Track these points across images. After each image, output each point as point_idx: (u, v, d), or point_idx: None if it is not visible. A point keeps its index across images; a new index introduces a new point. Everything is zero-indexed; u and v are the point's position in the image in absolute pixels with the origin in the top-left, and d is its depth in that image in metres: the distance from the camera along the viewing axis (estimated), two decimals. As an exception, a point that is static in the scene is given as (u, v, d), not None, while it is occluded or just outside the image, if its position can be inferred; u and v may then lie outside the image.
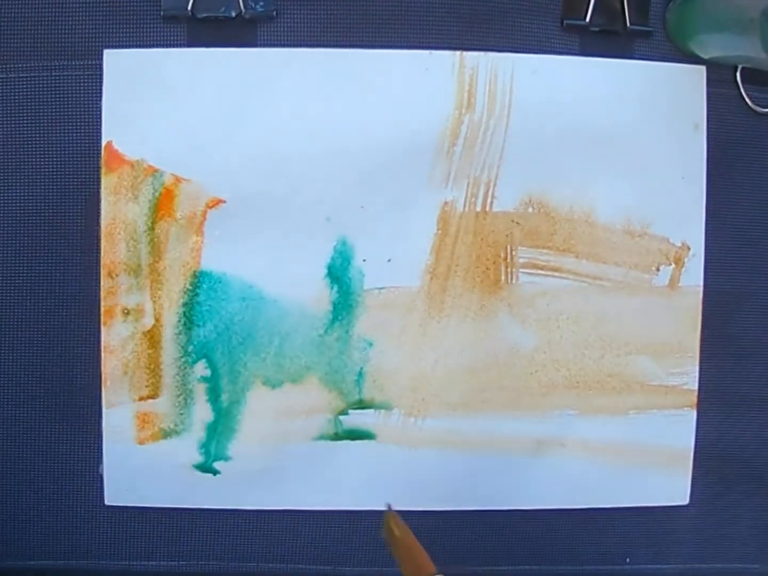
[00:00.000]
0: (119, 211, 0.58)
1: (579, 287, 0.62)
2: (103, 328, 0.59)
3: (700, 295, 0.63)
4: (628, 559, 0.66)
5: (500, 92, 0.59)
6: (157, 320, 0.59)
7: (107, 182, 0.58)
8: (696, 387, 0.63)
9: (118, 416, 0.60)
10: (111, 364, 0.59)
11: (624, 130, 0.61)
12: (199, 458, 0.61)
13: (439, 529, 0.64)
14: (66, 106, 0.58)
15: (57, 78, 0.58)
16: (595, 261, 0.62)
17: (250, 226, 0.59)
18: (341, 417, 0.61)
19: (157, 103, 0.58)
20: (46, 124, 0.58)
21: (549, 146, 0.60)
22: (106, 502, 0.61)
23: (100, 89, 0.58)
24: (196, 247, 0.59)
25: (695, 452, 0.64)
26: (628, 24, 0.60)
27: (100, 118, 0.58)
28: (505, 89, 0.59)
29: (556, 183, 0.61)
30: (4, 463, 0.61)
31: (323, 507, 0.63)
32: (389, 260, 0.60)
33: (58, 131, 0.58)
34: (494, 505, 0.64)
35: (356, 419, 0.61)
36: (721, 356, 0.64)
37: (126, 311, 0.59)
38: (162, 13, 0.58)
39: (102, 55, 0.58)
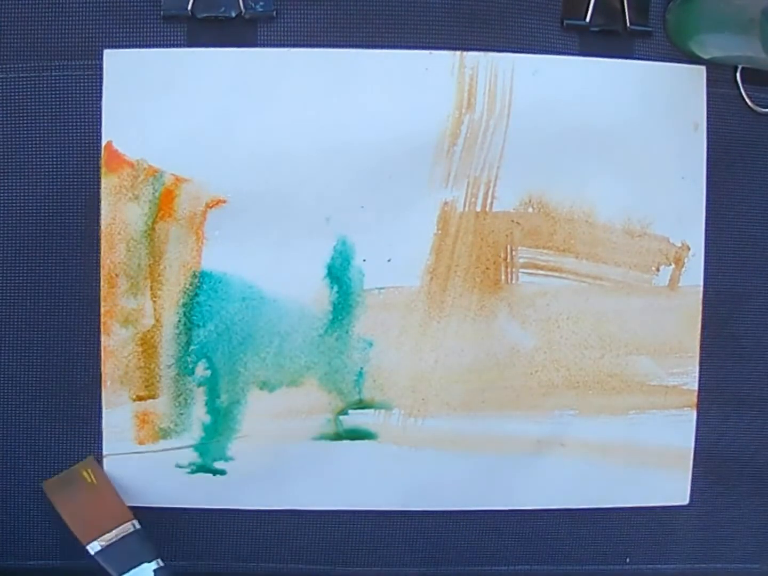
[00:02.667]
0: (119, 211, 0.58)
1: (579, 287, 0.62)
2: (103, 329, 0.59)
3: (700, 295, 0.63)
4: (628, 559, 0.66)
5: (500, 92, 0.59)
6: (157, 321, 0.59)
7: (107, 182, 0.58)
8: (696, 387, 0.63)
9: (118, 416, 0.60)
10: (111, 364, 0.59)
11: (624, 130, 0.61)
12: (198, 458, 0.61)
13: (439, 529, 0.64)
14: (66, 106, 0.58)
15: (57, 78, 0.58)
16: (595, 261, 0.62)
17: (251, 226, 0.59)
18: (341, 417, 0.61)
19: (157, 103, 0.58)
20: (46, 124, 0.58)
21: (549, 146, 0.60)
22: (106, 502, 0.61)
23: (100, 89, 0.58)
24: (196, 247, 0.59)
25: (695, 452, 0.64)
26: (628, 24, 0.60)
27: (100, 118, 0.58)
28: (505, 89, 0.59)
29: (556, 183, 0.61)
30: (4, 463, 0.61)
31: (323, 507, 0.63)
32: (389, 260, 0.60)
33: (58, 131, 0.58)
34: (494, 505, 0.64)
35: (356, 419, 0.61)
36: (721, 356, 0.64)
37: (126, 312, 0.59)
38: (162, 13, 0.58)
39: (102, 55, 0.57)
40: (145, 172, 0.58)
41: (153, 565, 0.57)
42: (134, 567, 0.57)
